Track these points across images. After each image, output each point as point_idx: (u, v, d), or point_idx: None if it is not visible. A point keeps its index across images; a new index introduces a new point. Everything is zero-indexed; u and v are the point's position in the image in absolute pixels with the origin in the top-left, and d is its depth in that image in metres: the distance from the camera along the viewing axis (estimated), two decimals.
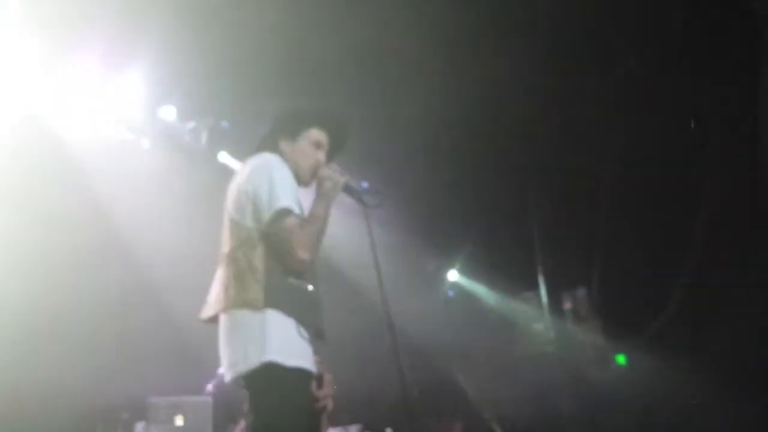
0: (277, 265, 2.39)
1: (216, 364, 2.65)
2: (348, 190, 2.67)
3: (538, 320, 9.00)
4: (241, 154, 7.41)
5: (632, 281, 8.69)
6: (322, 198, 2.56)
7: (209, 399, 4.67)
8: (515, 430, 8.85)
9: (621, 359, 8.35)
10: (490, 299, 9.61)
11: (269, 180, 2.41)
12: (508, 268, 9.12)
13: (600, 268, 7.98)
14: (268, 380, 2.29)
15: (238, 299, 2.37)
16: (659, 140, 7.77)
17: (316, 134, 2.67)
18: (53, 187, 5.48)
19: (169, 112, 6.53)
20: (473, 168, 8.14)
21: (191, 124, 7.02)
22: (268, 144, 2.67)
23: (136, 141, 6.40)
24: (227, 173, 7.33)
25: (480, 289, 9.51)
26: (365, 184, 2.73)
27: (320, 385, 2.49)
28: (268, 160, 2.54)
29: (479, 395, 9.08)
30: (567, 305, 8.61)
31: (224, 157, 7.36)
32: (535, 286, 8.84)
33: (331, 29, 5.81)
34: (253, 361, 2.30)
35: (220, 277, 2.51)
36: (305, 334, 2.39)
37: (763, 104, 6.89)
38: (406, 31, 5.87)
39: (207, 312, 2.54)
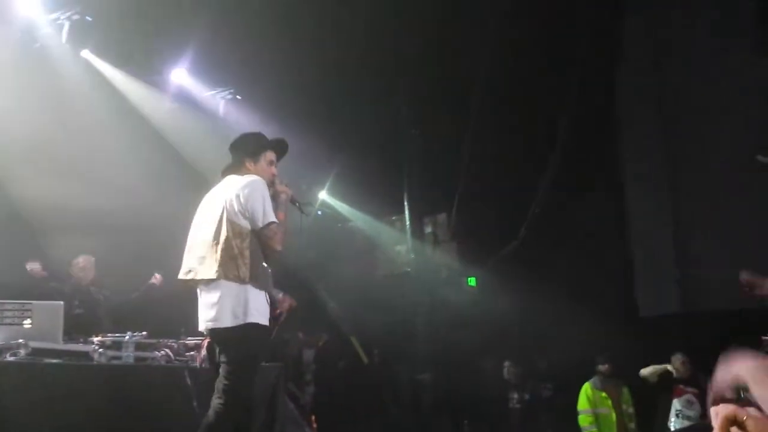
0: (258, 253, 3.44)
1: None
2: (293, 200, 3.75)
3: (400, 242, 9.40)
4: (105, 53, 7.05)
5: (488, 210, 9.29)
6: (281, 206, 3.62)
7: (60, 302, 4.62)
8: (374, 344, 9.36)
9: (472, 281, 8.94)
10: (357, 220, 9.87)
11: (262, 200, 3.45)
12: (376, 191, 9.41)
13: (460, 197, 8.40)
14: (247, 334, 3.34)
15: (229, 274, 3.36)
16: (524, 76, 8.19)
17: (270, 155, 3.70)
18: None
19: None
20: (348, 94, 8.25)
21: (53, 15, 6.56)
22: (237, 165, 3.67)
23: None
24: (90, 72, 6.99)
25: (348, 210, 9.72)
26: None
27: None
28: (258, 182, 3.51)
29: (341, 312, 9.43)
30: (428, 229, 9.03)
31: (87, 54, 6.98)
32: (400, 211, 9.17)
33: None
34: (240, 319, 3.33)
35: (203, 254, 3.44)
36: (268, 301, 3.49)
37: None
38: None
39: (193, 276, 3.48)
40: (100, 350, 4.42)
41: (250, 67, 7.73)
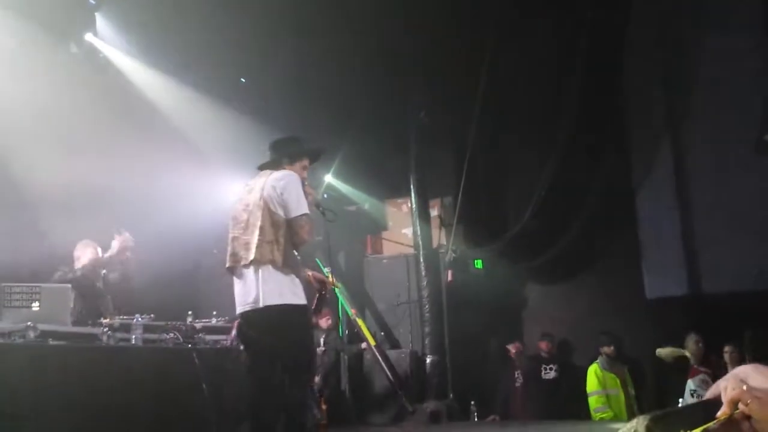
0: (290, 241, 3.80)
1: None
2: (317, 204, 4.21)
3: (406, 225, 9.38)
4: (111, 36, 7.02)
5: (494, 193, 9.28)
6: (310, 205, 3.96)
7: (68, 285, 4.64)
8: (379, 326, 9.38)
9: (478, 263, 8.93)
10: (363, 203, 9.86)
11: (296, 192, 3.84)
12: (382, 174, 9.38)
13: (466, 179, 8.37)
14: (289, 312, 3.74)
15: (265, 259, 3.73)
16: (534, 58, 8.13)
17: (305, 161, 4.15)
18: None
19: None
20: (353, 76, 8.21)
21: None
22: (275, 163, 4.10)
23: None
24: (94, 55, 6.96)
25: (353, 193, 9.71)
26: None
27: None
28: (294, 176, 3.93)
29: (347, 293, 9.44)
30: (434, 212, 9.01)
31: (91, 38, 6.94)
32: (406, 193, 9.14)
33: None
34: (280, 299, 3.72)
35: (247, 241, 3.82)
36: (300, 283, 3.87)
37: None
38: None
39: (234, 262, 3.88)
40: (109, 332, 4.45)
41: (254, 51, 7.69)
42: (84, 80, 6.55)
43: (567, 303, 8.63)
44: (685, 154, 8.11)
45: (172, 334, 4.79)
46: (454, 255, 8.57)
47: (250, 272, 3.78)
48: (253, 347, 3.93)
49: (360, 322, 9.15)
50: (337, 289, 9.40)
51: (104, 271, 5.68)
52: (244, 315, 3.86)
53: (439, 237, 8.91)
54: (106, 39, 7.00)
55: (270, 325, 3.75)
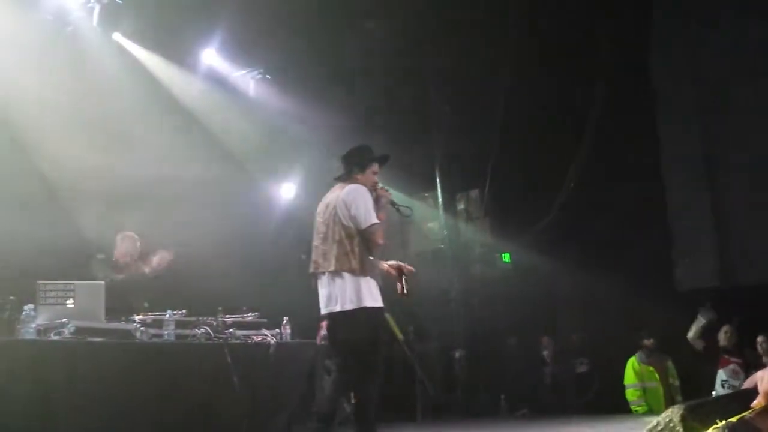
0: (365, 249, 4.16)
1: None
2: (392, 203, 4.48)
3: (433, 219, 9.35)
4: (138, 35, 7.08)
5: (521, 185, 9.19)
6: (382, 208, 4.31)
7: (101, 282, 4.69)
8: (408, 321, 9.37)
9: (506, 257, 8.87)
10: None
11: (364, 205, 4.15)
12: (408, 168, 9.34)
13: (492, 172, 8.31)
14: (365, 314, 4.11)
15: (344, 267, 4.14)
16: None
17: (375, 167, 4.40)
18: None
19: None
20: (378, 71, 8.20)
21: None
22: (347, 173, 4.39)
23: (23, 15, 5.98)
24: (122, 55, 7.02)
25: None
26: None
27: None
28: (359, 190, 4.21)
29: None
30: (460, 205, 8.96)
31: (118, 37, 7.01)
32: (432, 187, 9.11)
33: None
34: (354, 304, 4.10)
35: (325, 250, 4.23)
36: (377, 286, 4.21)
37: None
38: None
39: (315, 268, 4.29)
40: (142, 328, 4.49)
41: (280, 47, 7.71)
42: (112, 76, 6.63)
43: (597, 296, 8.52)
44: (716, 145, 7.98)
45: (203, 330, 4.82)
46: (481, 249, 8.53)
47: (331, 279, 4.21)
48: (336, 345, 4.38)
49: (388, 316, 9.16)
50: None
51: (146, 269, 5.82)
52: (329, 317, 4.31)
53: (466, 231, 8.86)
54: (134, 38, 7.07)
55: (347, 325, 4.20)
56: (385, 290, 4.33)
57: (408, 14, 7.56)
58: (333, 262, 4.18)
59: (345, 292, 4.15)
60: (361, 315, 4.12)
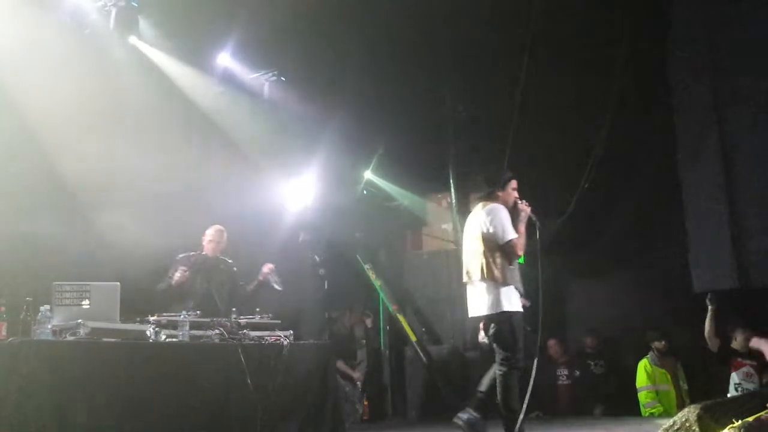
0: (506, 261, 4.81)
1: None
2: (530, 217, 4.99)
3: (446, 220, 9.35)
4: (154, 38, 7.14)
5: (534, 186, 9.12)
6: (522, 222, 4.93)
7: (117, 283, 4.74)
8: (421, 322, 9.38)
9: (520, 258, 8.82)
10: (403, 199, 9.85)
11: (501, 223, 4.81)
12: (421, 170, 9.36)
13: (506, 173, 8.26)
14: (504, 318, 4.76)
15: (489, 277, 4.78)
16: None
17: (513, 183, 5.08)
18: None
19: None
20: (393, 73, 8.21)
21: (100, 2, 6.66)
22: (490, 192, 5.04)
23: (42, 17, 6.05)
24: (138, 58, 7.09)
25: (393, 189, 9.71)
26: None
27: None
28: (497, 209, 4.87)
29: (388, 289, 9.46)
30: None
31: (134, 41, 7.07)
32: (446, 188, 9.10)
33: None
34: (495, 308, 4.76)
35: (475, 262, 4.85)
36: (517, 293, 4.87)
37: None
38: None
39: (468, 278, 4.94)
40: (156, 329, 4.54)
41: (294, 49, 7.75)
42: (129, 79, 6.70)
43: (612, 297, 8.47)
44: (733, 144, 7.89)
45: (217, 331, 4.87)
46: None
47: (479, 287, 4.86)
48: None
49: (401, 317, 9.17)
50: (377, 285, 9.45)
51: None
52: (477, 319, 5.00)
53: None
54: (150, 41, 7.14)
55: (490, 327, 4.83)
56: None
57: (424, 14, 7.54)
58: (478, 272, 4.81)
59: (489, 299, 4.78)
60: (501, 318, 4.74)
